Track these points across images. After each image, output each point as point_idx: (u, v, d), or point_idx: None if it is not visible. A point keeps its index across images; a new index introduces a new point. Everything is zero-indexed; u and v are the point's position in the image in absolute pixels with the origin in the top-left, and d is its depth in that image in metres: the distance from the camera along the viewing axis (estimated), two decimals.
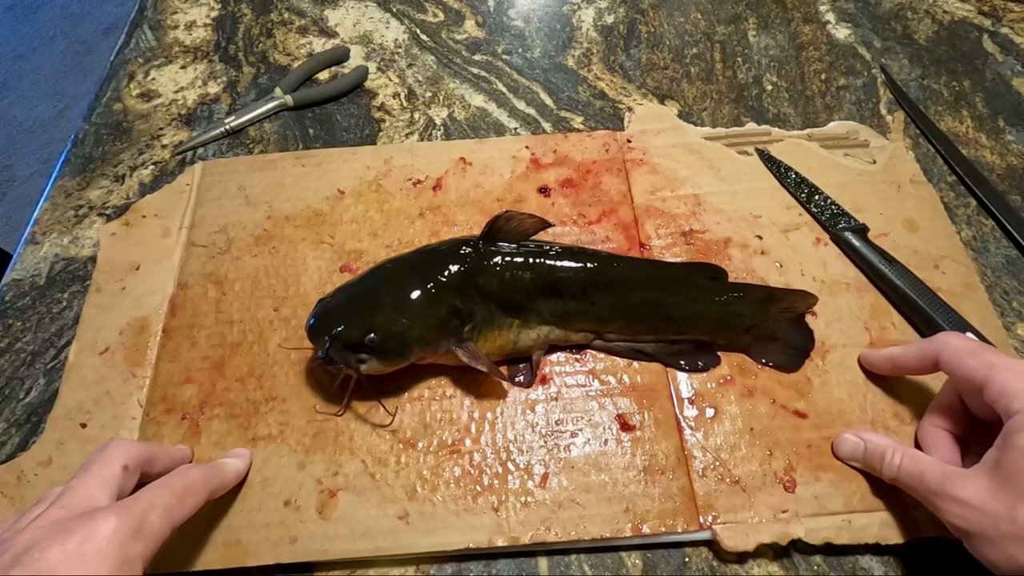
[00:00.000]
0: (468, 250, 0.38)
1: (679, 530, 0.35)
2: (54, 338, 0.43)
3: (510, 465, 0.37)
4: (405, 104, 0.55)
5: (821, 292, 0.42)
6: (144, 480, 0.31)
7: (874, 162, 0.49)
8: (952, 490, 0.30)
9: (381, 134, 0.53)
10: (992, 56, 0.58)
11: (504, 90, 0.56)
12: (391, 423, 0.38)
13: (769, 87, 0.56)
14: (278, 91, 0.54)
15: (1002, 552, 0.28)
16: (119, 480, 0.29)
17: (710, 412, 0.39)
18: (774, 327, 0.41)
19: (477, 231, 0.39)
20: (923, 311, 0.41)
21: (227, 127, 0.53)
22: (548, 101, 0.55)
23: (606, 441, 0.38)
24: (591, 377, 0.40)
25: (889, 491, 0.35)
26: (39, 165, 1.54)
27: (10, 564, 0.25)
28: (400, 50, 0.59)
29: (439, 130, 0.53)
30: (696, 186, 0.48)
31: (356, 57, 0.59)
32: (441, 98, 0.55)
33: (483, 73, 0.57)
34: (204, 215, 0.47)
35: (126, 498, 0.28)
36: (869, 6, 0.62)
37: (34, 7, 1.84)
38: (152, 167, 0.51)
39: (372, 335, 0.35)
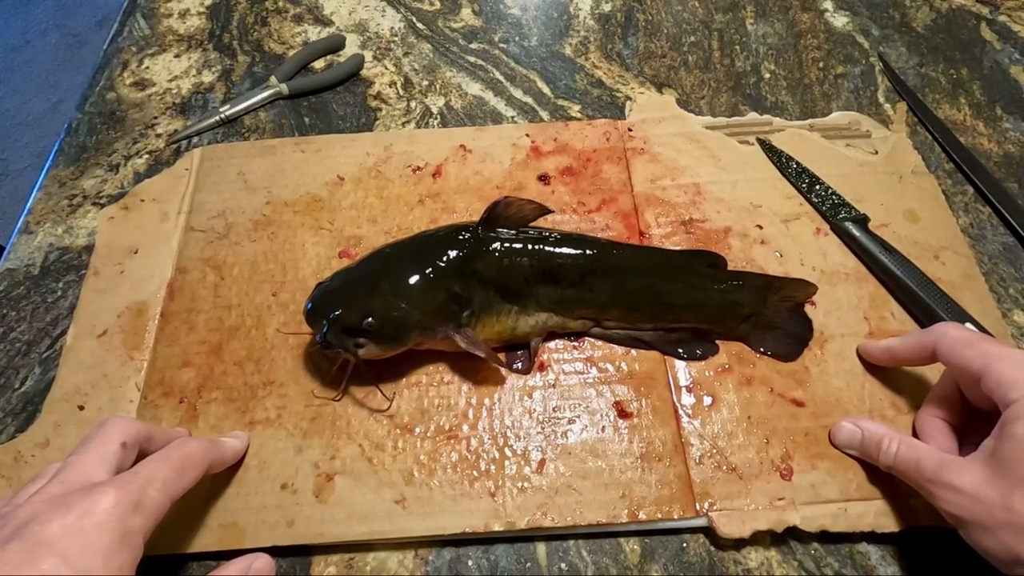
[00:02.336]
0: (467, 236, 0.38)
1: (675, 517, 0.35)
2: (49, 327, 0.43)
3: (507, 451, 0.37)
4: (401, 93, 0.55)
5: (820, 282, 0.42)
6: (142, 459, 0.31)
7: (876, 153, 0.49)
8: (948, 478, 0.30)
9: (377, 123, 0.53)
10: (990, 44, 0.58)
11: (501, 79, 0.56)
12: (389, 408, 0.38)
13: (767, 75, 0.56)
14: (273, 80, 0.54)
15: (997, 540, 0.28)
16: (117, 457, 0.29)
17: (708, 400, 0.39)
18: (773, 316, 0.41)
19: (476, 218, 0.39)
20: (922, 301, 0.41)
21: (222, 116, 0.52)
22: (545, 89, 0.55)
23: (603, 428, 0.38)
24: (589, 364, 0.40)
25: (885, 480, 0.35)
26: (33, 159, 1.53)
27: (10, 537, 0.25)
28: (396, 39, 0.59)
29: (436, 119, 0.53)
30: (697, 175, 0.48)
31: (352, 46, 0.58)
32: (438, 87, 0.55)
33: (480, 62, 0.57)
34: (203, 200, 0.47)
35: (125, 472, 0.28)
36: None
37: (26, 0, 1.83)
38: (147, 156, 0.51)
39: (370, 319, 0.35)
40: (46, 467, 0.30)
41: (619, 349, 0.41)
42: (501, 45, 0.58)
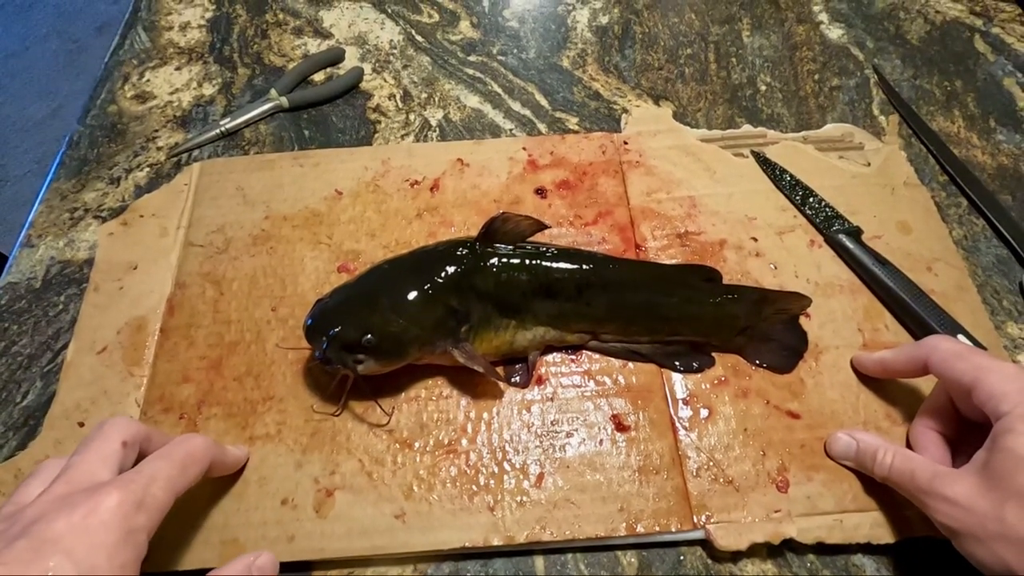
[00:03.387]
0: (465, 251, 0.38)
1: (673, 530, 0.35)
2: (51, 341, 0.43)
3: (506, 465, 0.37)
4: (400, 105, 0.55)
5: (815, 294, 0.43)
6: (141, 459, 0.31)
7: (868, 165, 0.50)
8: (941, 489, 0.31)
9: (377, 135, 0.53)
10: (983, 56, 0.58)
11: (499, 91, 0.56)
12: (388, 423, 0.38)
13: (763, 87, 0.56)
14: (273, 93, 0.54)
15: (989, 551, 0.29)
16: (119, 456, 0.30)
17: (704, 413, 0.39)
18: (768, 328, 0.41)
19: (474, 232, 0.39)
20: (916, 313, 0.41)
21: (222, 129, 0.53)
22: (543, 102, 0.55)
23: (601, 441, 0.38)
24: (586, 378, 0.40)
25: (881, 491, 0.36)
26: (33, 165, 1.53)
27: (17, 536, 0.25)
28: (395, 51, 0.59)
29: (435, 131, 0.53)
30: (692, 188, 0.48)
31: (351, 58, 0.59)
32: (436, 99, 0.56)
33: (478, 74, 0.57)
34: (202, 215, 0.47)
35: (128, 472, 0.29)
36: (862, 6, 0.62)
37: (26, 5, 1.84)
38: (147, 169, 0.51)
39: (369, 335, 0.35)
40: (42, 463, 0.30)
41: (616, 362, 0.41)
42: (499, 57, 0.59)
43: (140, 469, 0.29)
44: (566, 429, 0.39)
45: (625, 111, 0.54)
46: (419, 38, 0.60)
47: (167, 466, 0.30)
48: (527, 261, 0.39)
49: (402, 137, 0.53)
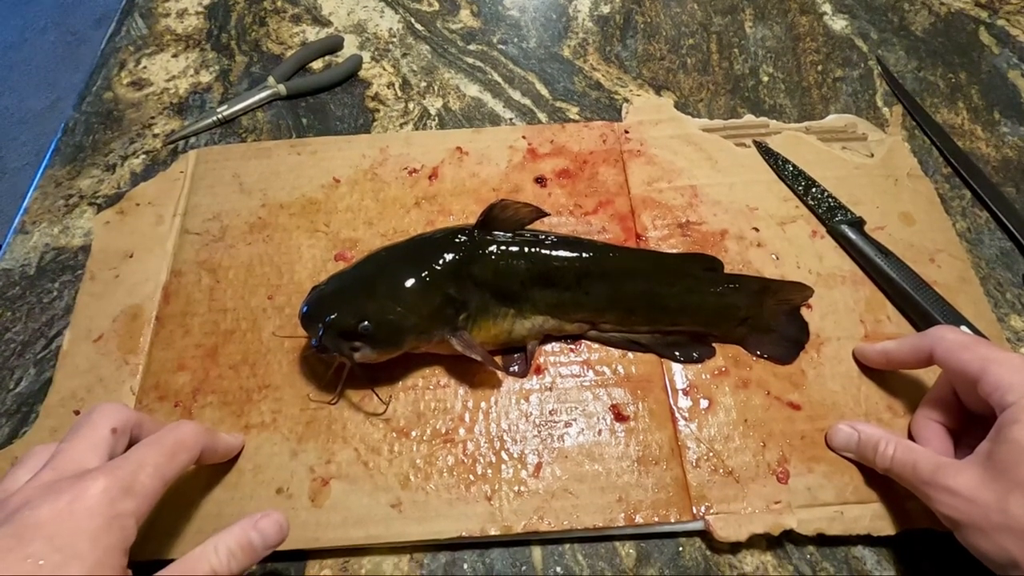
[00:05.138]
0: (463, 239, 0.38)
1: (672, 520, 0.35)
2: (44, 328, 0.43)
3: (504, 454, 0.37)
4: (399, 94, 0.55)
5: (817, 285, 0.42)
6: (133, 445, 0.31)
7: (872, 156, 0.49)
8: (944, 480, 0.30)
9: (375, 124, 0.53)
10: (988, 48, 0.58)
11: (499, 80, 0.56)
12: (385, 412, 0.38)
13: (765, 78, 0.56)
14: (271, 80, 0.54)
15: (992, 543, 0.28)
16: (108, 442, 0.29)
17: (704, 403, 0.39)
18: (769, 319, 0.41)
19: (473, 221, 0.39)
20: (918, 304, 0.41)
21: (219, 116, 0.52)
22: (544, 91, 0.55)
23: (600, 431, 0.38)
24: (586, 367, 0.40)
25: (882, 483, 0.35)
26: (31, 157, 1.53)
27: (1, 523, 0.25)
28: (395, 39, 0.59)
29: (434, 120, 0.53)
30: (693, 177, 0.48)
31: (350, 46, 0.58)
32: (436, 88, 0.55)
33: (478, 63, 0.57)
34: (198, 203, 0.47)
35: (116, 458, 0.28)
36: None
37: None
38: (143, 156, 0.51)
39: (366, 323, 0.35)
40: (30, 451, 0.30)
41: (616, 352, 0.41)
42: (500, 46, 0.58)
43: (128, 456, 0.29)
44: (565, 419, 0.38)
45: (626, 101, 0.54)
46: (419, 26, 0.60)
47: (156, 453, 0.29)
48: (526, 249, 0.38)
49: (401, 126, 0.52)
